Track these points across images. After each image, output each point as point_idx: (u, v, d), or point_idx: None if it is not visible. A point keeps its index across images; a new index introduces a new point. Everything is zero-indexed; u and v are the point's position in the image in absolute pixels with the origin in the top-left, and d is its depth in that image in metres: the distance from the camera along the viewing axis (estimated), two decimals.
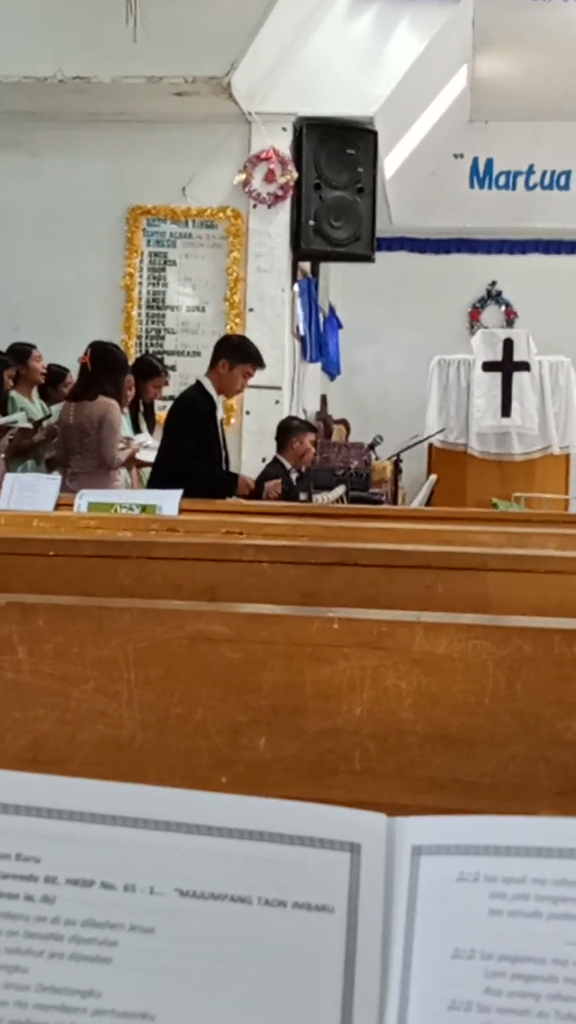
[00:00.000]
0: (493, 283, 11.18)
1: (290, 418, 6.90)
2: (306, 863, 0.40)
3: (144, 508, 3.27)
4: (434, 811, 0.57)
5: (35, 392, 6.54)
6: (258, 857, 0.40)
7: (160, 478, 5.28)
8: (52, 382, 6.67)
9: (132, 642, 1.13)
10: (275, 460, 6.49)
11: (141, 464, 6.04)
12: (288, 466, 6.38)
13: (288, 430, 6.52)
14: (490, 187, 10.82)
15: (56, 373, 6.72)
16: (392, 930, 0.39)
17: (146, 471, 6.15)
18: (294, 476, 6.40)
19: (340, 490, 6.37)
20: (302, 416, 7.79)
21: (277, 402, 7.56)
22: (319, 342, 9.03)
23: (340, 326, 10.37)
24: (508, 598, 1.91)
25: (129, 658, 1.13)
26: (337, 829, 0.41)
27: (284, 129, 7.60)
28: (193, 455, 5.22)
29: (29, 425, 6.00)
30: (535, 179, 10.77)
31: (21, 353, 6.43)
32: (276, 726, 1.11)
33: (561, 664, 1.10)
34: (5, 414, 5.99)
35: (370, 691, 1.11)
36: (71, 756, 1.09)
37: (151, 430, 6.51)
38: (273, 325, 7.66)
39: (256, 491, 5.75)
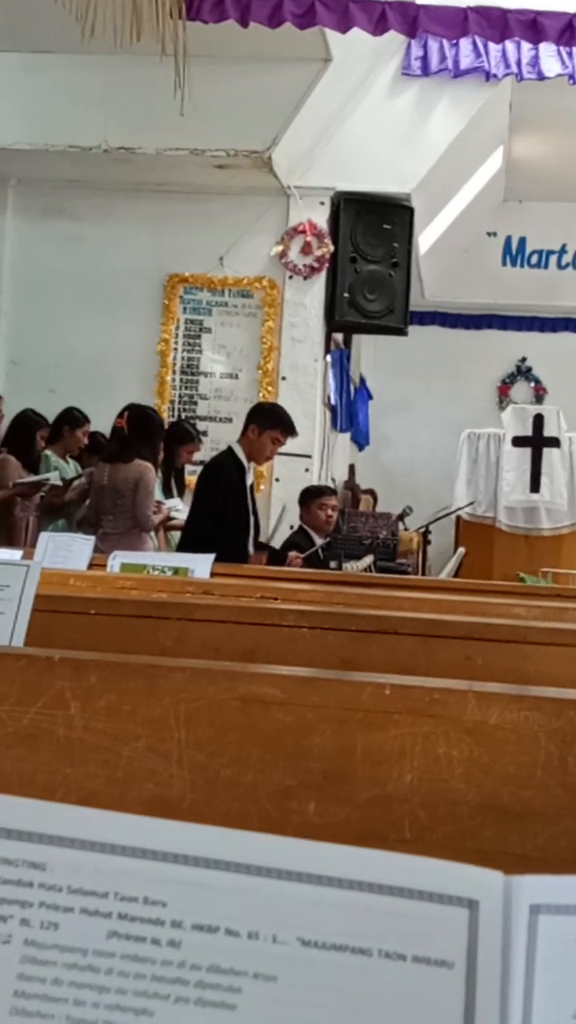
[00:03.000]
0: (523, 359, 11.26)
1: (308, 486, 6.92)
2: (425, 917, 0.40)
3: (176, 571, 3.28)
4: None
5: (66, 455, 6.60)
6: (378, 909, 0.40)
7: (188, 541, 5.29)
8: (92, 451, 6.69)
9: (184, 702, 1.13)
10: (300, 529, 6.50)
11: (172, 527, 6.07)
12: (313, 535, 6.38)
13: (307, 496, 6.55)
14: (522, 265, 10.94)
15: (99, 443, 6.73)
16: (511, 988, 0.39)
17: (174, 534, 6.18)
18: (320, 544, 6.40)
19: (369, 559, 6.36)
20: (331, 484, 7.82)
21: (307, 470, 7.59)
22: (349, 412, 9.09)
23: (370, 397, 10.45)
24: (548, 672, 1.90)
25: (180, 717, 1.13)
26: (455, 885, 0.41)
27: (322, 203, 7.73)
28: (218, 520, 5.23)
29: (60, 483, 6.06)
30: (567, 258, 10.89)
31: (74, 420, 6.50)
32: (326, 791, 1.10)
33: None
34: (37, 473, 6.06)
35: (421, 759, 1.10)
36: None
37: (181, 494, 6.55)
38: (305, 394, 7.73)
39: (280, 559, 5.75)
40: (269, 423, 5.40)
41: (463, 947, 0.40)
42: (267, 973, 0.40)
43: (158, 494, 5.95)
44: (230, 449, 5.47)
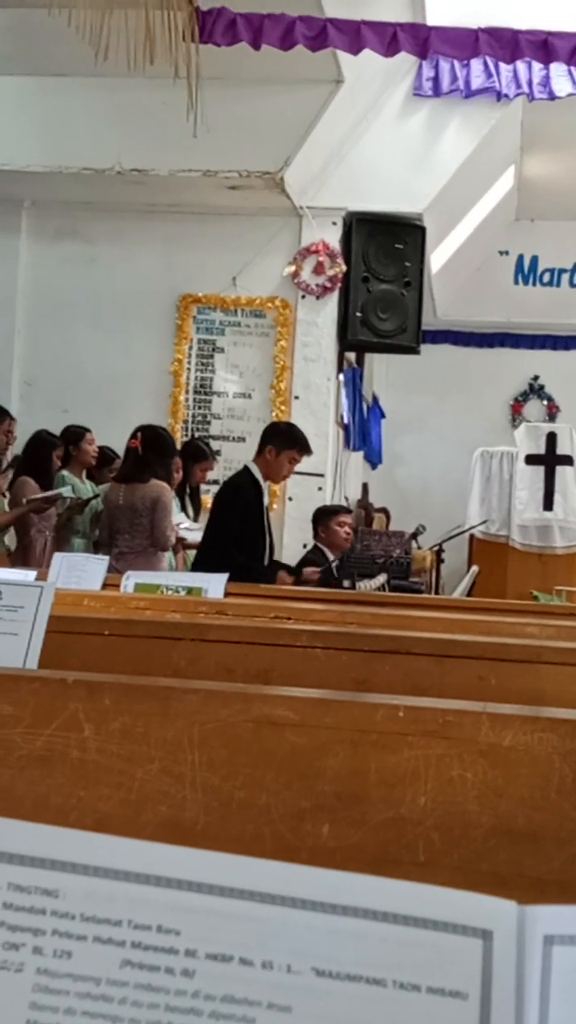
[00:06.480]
0: (535, 377, 11.25)
1: (322, 505, 6.92)
2: (440, 948, 0.40)
3: (190, 590, 3.27)
4: None
5: (83, 472, 6.64)
6: (392, 940, 0.40)
7: (204, 562, 5.29)
8: (101, 464, 6.76)
9: (197, 723, 1.13)
10: (315, 548, 6.49)
11: (187, 546, 6.07)
12: (328, 553, 6.38)
13: (321, 515, 6.55)
14: (534, 284, 10.95)
15: (106, 456, 6.81)
16: (525, 1019, 0.39)
17: (191, 553, 6.18)
18: (335, 563, 6.39)
19: (382, 578, 6.35)
20: (344, 503, 7.82)
21: (320, 489, 7.60)
22: (362, 431, 9.10)
23: (383, 416, 10.45)
24: (562, 692, 1.90)
25: (194, 739, 1.13)
26: (469, 915, 0.40)
27: (334, 223, 7.75)
28: (236, 541, 5.23)
29: (73, 496, 6.09)
30: None
31: (74, 435, 6.55)
32: (340, 813, 1.10)
33: None
34: None
35: (435, 781, 1.10)
36: (134, 837, 1.09)
37: (196, 513, 6.55)
38: (318, 413, 7.73)
39: (295, 574, 5.74)
40: (286, 443, 5.42)
41: (477, 978, 0.40)
42: (281, 1003, 0.40)
43: (175, 512, 5.96)
44: (246, 469, 5.48)
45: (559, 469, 8.74)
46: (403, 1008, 0.40)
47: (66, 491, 6.05)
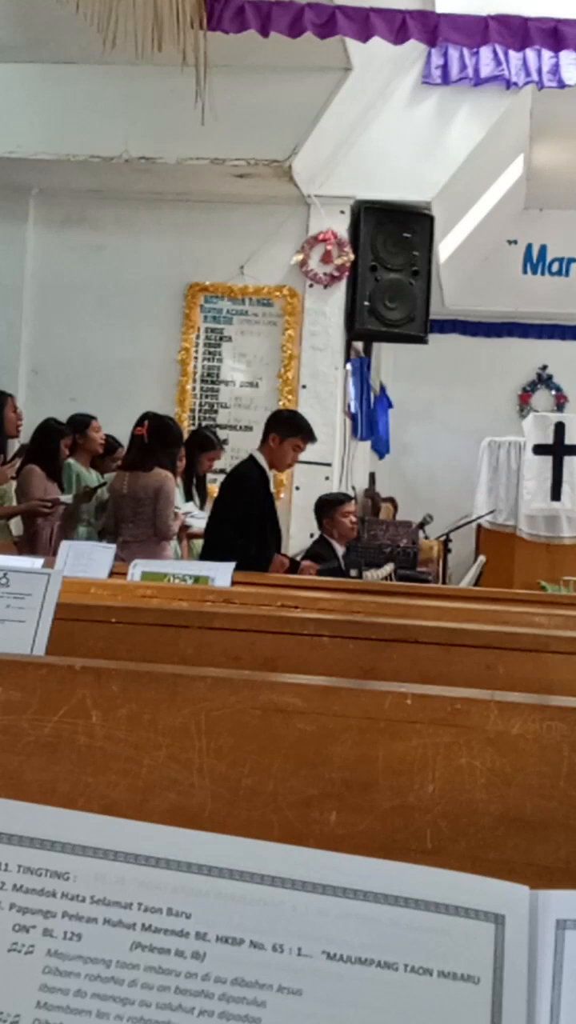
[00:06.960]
0: (544, 367, 11.23)
1: (325, 496, 6.89)
2: (451, 932, 0.40)
3: (197, 579, 3.28)
4: None
5: (89, 460, 6.64)
6: (404, 923, 0.40)
7: (210, 550, 5.30)
8: (105, 452, 6.77)
9: (205, 710, 1.13)
10: (321, 538, 6.48)
11: (192, 535, 6.07)
12: (335, 544, 6.37)
13: (324, 506, 6.52)
14: (543, 273, 10.92)
15: (110, 444, 6.82)
16: (537, 1004, 0.39)
17: (196, 542, 6.19)
18: (341, 552, 6.39)
19: (389, 567, 6.35)
20: (351, 492, 7.82)
21: (327, 478, 7.59)
22: (369, 420, 9.08)
23: (390, 405, 10.44)
24: (570, 681, 1.89)
25: (201, 726, 1.13)
26: (481, 899, 0.40)
27: (342, 212, 7.74)
28: (242, 529, 5.23)
29: (70, 503, 6.08)
30: None
31: (80, 423, 6.55)
32: (347, 801, 1.10)
33: None
34: (60, 482, 6.08)
35: (443, 769, 1.10)
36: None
37: (203, 502, 6.56)
38: (325, 402, 7.73)
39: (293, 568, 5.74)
40: (290, 431, 5.41)
41: (489, 962, 0.40)
42: (292, 987, 0.40)
43: (178, 501, 5.96)
44: (252, 458, 5.47)
45: (567, 459, 8.74)
46: (414, 992, 0.39)
47: (65, 499, 6.03)
